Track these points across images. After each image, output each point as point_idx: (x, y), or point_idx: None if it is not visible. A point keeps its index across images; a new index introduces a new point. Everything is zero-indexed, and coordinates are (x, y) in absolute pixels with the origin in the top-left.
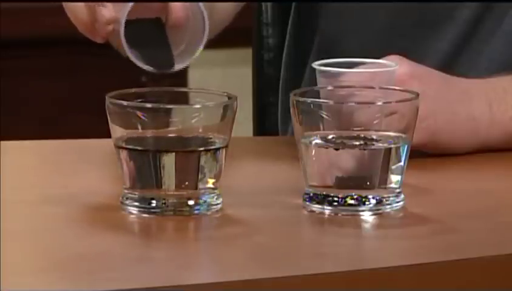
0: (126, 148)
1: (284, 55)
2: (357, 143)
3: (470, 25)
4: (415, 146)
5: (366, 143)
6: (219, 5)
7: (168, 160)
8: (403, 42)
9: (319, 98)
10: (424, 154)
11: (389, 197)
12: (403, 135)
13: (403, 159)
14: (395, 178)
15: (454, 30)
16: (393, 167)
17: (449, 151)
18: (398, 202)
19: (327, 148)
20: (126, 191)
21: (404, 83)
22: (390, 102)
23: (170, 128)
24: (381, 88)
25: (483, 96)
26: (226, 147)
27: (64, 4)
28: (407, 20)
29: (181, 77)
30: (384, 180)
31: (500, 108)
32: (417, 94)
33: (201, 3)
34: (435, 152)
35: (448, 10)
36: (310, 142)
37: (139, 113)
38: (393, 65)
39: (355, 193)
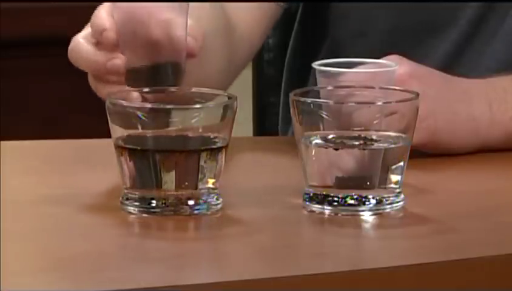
0: (126, 148)
1: (287, 57)
2: (357, 143)
3: (472, 26)
4: (415, 146)
5: (366, 143)
6: (240, 49)
7: (168, 160)
8: (406, 42)
9: (319, 98)
10: (424, 154)
11: (389, 197)
12: (403, 135)
13: (403, 159)
14: (395, 178)
15: (457, 30)
16: (393, 167)
17: (449, 151)
18: (398, 202)
19: (327, 148)
20: (126, 191)
21: (404, 83)
22: (390, 102)
23: (170, 128)
24: (381, 88)
25: (483, 96)
26: (226, 147)
27: (74, 57)
28: (410, 21)
29: None
30: (384, 180)
31: (500, 108)
32: (417, 94)
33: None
34: (435, 152)
35: (450, 11)
36: (310, 142)
37: (139, 113)
38: (393, 65)
39: (355, 193)
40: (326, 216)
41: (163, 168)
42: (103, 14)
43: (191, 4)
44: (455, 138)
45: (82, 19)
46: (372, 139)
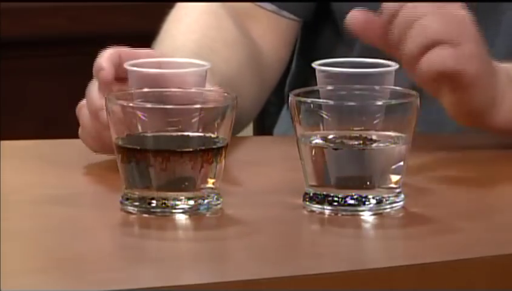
0: (126, 148)
1: (294, 60)
2: (357, 143)
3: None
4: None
5: (366, 143)
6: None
7: (168, 160)
8: None
9: (319, 98)
10: (424, 154)
11: (389, 197)
12: (403, 135)
13: (403, 159)
14: (395, 178)
15: None
16: (393, 167)
17: (466, 86)
18: (398, 202)
19: (327, 148)
20: (126, 191)
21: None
22: (390, 102)
23: (170, 128)
24: (380, 87)
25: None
26: (226, 147)
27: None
28: None
29: None
30: (384, 180)
31: None
32: (417, 94)
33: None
34: (452, 83)
35: None
36: (310, 142)
37: (139, 113)
38: (393, 65)
39: (355, 193)
40: (326, 216)
41: (163, 168)
42: (104, 55)
43: (220, 41)
44: (479, 73)
45: (82, 19)
46: (372, 139)
